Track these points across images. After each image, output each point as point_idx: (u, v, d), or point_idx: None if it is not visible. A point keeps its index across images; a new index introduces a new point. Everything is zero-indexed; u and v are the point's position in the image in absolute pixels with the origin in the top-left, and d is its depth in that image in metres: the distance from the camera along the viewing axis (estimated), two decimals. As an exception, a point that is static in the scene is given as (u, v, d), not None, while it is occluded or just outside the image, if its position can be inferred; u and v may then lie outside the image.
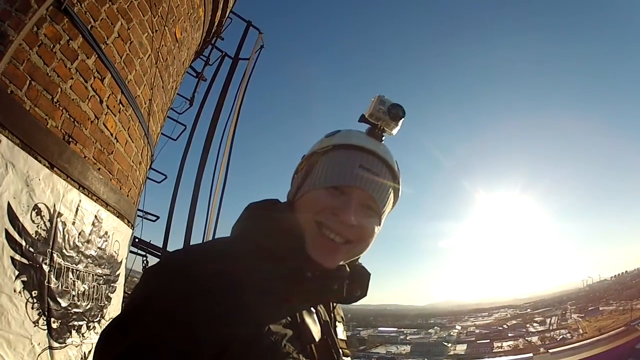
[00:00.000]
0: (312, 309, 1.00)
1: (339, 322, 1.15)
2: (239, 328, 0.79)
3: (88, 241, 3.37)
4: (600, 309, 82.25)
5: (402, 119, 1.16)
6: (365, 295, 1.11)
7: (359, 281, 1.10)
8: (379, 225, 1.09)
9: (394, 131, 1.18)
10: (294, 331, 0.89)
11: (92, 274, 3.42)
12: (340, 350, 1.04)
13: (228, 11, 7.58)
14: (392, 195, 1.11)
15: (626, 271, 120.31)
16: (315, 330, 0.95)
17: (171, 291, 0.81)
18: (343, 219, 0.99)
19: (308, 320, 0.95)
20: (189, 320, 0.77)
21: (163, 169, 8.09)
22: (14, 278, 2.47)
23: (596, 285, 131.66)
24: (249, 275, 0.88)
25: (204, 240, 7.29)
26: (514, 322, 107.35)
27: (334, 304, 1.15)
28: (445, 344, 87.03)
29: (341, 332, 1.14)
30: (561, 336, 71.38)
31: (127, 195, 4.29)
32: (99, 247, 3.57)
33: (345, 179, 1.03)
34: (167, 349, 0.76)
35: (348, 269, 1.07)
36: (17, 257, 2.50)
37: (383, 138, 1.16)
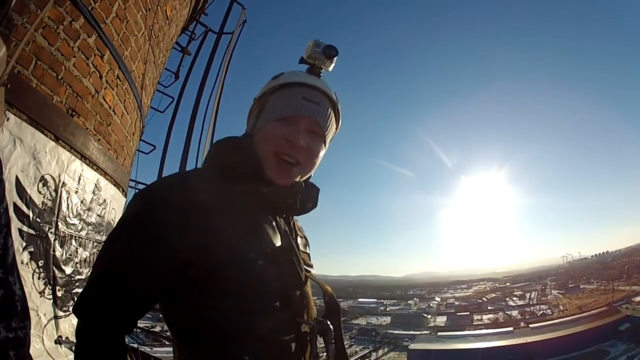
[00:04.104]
0: (270, 218, 1.20)
1: (300, 237, 1.37)
2: (203, 238, 1.02)
3: (89, 209, 3.53)
4: (581, 286, 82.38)
5: (336, 57, 1.33)
6: (315, 206, 1.33)
7: (310, 195, 1.31)
8: (325, 146, 1.30)
9: (330, 68, 1.35)
10: (252, 238, 1.10)
11: (93, 241, 3.57)
12: (301, 259, 1.24)
13: (214, -12, 7.67)
14: (333, 120, 1.31)
15: (607, 251, 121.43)
16: (275, 238, 1.16)
17: (144, 214, 1.07)
18: (294, 142, 1.18)
19: (267, 228, 1.16)
20: (157, 237, 1.02)
21: (151, 140, 8.29)
22: (21, 250, 2.59)
23: (576, 262, 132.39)
24: (213, 193, 1.10)
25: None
26: (493, 295, 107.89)
27: (292, 217, 1.35)
28: (425, 315, 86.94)
29: (303, 246, 1.36)
30: (541, 311, 71.62)
31: (122, 165, 4.48)
32: (98, 215, 3.73)
33: (292, 110, 1.21)
34: (137, 263, 1.03)
35: (302, 185, 1.29)
36: (25, 228, 2.62)
37: (321, 75, 1.33)
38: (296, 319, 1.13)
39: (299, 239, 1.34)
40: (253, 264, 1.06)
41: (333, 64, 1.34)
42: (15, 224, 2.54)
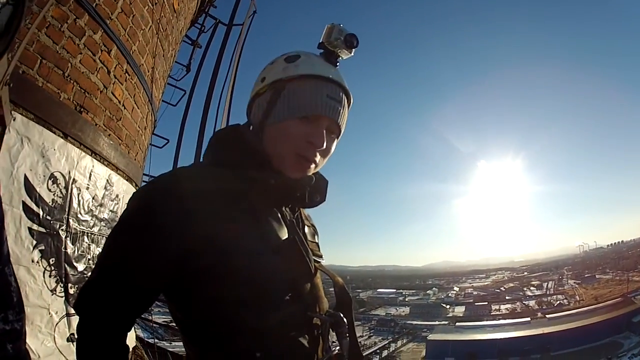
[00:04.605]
0: (276, 210, 1.17)
1: (307, 226, 1.33)
2: (204, 231, 1.00)
3: (101, 205, 3.55)
4: (597, 276, 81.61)
5: (356, 48, 1.26)
6: (324, 200, 1.31)
7: (319, 188, 1.29)
8: (337, 140, 1.27)
9: (345, 57, 1.29)
10: (258, 231, 1.08)
11: (106, 237, 3.53)
12: (310, 250, 1.21)
13: (221, -21, 7.71)
14: (347, 113, 1.26)
15: (622, 241, 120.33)
16: (281, 231, 1.14)
17: (143, 209, 1.05)
18: (316, 144, 1.15)
19: (273, 221, 1.14)
20: (156, 232, 1.01)
21: (164, 134, 8.32)
22: (31, 248, 2.60)
23: (592, 252, 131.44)
24: (214, 185, 1.07)
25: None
26: (511, 284, 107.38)
27: (298, 208, 1.32)
28: (444, 305, 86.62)
29: (310, 235, 1.33)
30: (558, 302, 71.22)
31: (135, 159, 4.50)
32: (111, 210, 3.74)
33: (316, 109, 1.16)
34: (136, 258, 1.01)
35: (312, 179, 1.25)
36: (35, 226, 2.64)
37: (338, 63, 1.27)
38: (307, 313, 1.10)
39: (306, 229, 1.31)
40: (258, 257, 1.04)
41: (351, 55, 1.29)
42: (25, 223, 2.55)
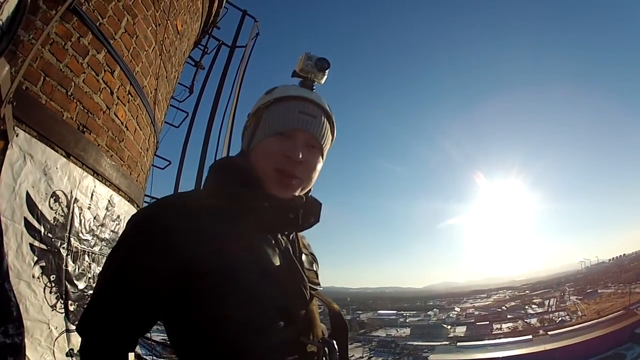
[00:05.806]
0: (270, 237, 1.19)
1: (305, 254, 1.35)
2: (198, 257, 1.01)
3: (102, 225, 3.55)
4: (599, 291, 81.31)
5: (328, 69, 1.34)
6: (317, 221, 1.32)
7: (312, 210, 1.30)
8: (322, 158, 1.30)
9: (322, 80, 1.37)
10: (252, 257, 1.09)
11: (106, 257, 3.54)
12: (305, 276, 1.23)
13: (224, 1, 7.88)
14: (329, 131, 1.31)
15: (624, 254, 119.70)
16: (275, 257, 1.15)
17: (139, 233, 1.07)
18: (293, 157, 1.18)
19: (267, 248, 1.15)
20: (152, 255, 1.02)
21: (166, 155, 8.39)
22: (32, 264, 2.60)
23: (594, 267, 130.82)
24: (209, 213, 1.09)
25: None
26: (512, 303, 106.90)
27: (295, 234, 1.34)
28: (445, 325, 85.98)
29: (308, 263, 1.33)
30: (560, 318, 70.92)
31: (137, 180, 4.51)
32: (112, 231, 3.74)
33: (288, 124, 1.22)
34: (132, 281, 1.03)
35: (304, 199, 1.28)
36: (36, 243, 2.64)
37: (314, 87, 1.35)
38: (300, 339, 1.11)
39: (303, 257, 1.33)
40: (251, 283, 1.05)
41: (325, 77, 1.36)
42: (26, 238, 2.56)
